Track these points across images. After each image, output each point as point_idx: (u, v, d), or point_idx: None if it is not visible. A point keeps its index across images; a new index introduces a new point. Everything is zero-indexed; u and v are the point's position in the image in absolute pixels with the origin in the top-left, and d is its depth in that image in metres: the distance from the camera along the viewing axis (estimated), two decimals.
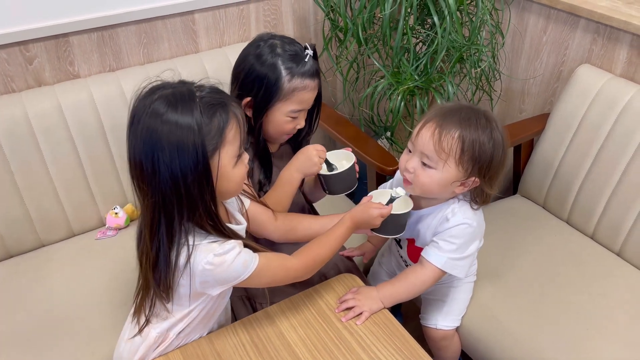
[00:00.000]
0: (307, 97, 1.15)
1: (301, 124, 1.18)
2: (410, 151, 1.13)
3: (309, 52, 1.13)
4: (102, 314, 1.28)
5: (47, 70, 1.48)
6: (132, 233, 1.51)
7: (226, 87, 1.57)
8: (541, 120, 1.67)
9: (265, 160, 1.21)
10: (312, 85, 1.14)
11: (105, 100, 1.46)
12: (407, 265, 1.30)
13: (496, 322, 1.28)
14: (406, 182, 1.14)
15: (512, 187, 1.79)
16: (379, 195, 1.17)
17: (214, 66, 1.59)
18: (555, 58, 1.72)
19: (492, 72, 1.71)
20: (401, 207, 1.14)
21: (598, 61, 1.59)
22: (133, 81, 1.49)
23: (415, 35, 1.66)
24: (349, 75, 1.76)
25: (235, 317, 1.27)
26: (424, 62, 1.57)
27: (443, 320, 1.30)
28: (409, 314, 1.73)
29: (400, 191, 1.16)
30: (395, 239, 1.33)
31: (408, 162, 1.11)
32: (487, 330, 1.28)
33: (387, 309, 1.12)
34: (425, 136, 1.07)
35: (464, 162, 1.06)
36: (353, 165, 1.18)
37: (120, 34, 1.53)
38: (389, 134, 1.83)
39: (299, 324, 1.07)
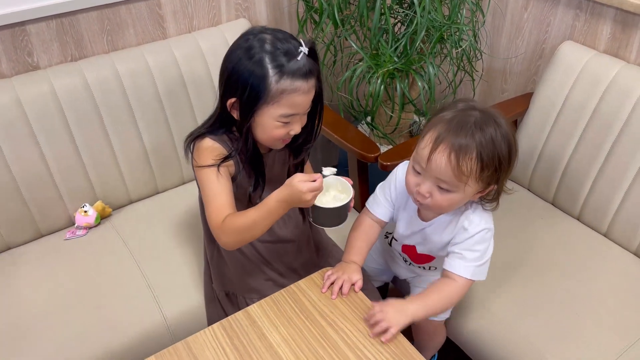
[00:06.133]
0: (299, 101, 1.00)
1: (295, 129, 1.05)
2: (417, 172, 1.01)
3: (303, 49, 0.99)
4: (73, 319, 1.21)
5: (3, 62, 1.38)
6: (102, 232, 1.45)
7: (201, 79, 1.52)
8: (524, 100, 1.63)
9: (255, 168, 1.10)
10: (304, 87, 0.99)
11: (68, 92, 1.37)
12: (405, 261, 1.25)
13: (485, 312, 1.24)
14: (419, 202, 1.05)
15: None
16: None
17: (183, 52, 1.51)
18: (537, 35, 1.67)
19: (473, 52, 1.66)
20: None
21: (581, 37, 1.55)
22: (97, 71, 1.41)
23: (393, 15, 1.60)
24: (326, 59, 1.69)
25: (225, 314, 1.22)
26: (403, 43, 1.51)
27: None
28: None
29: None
30: (385, 237, 1.28)
31: (420, 186, 1.00)
32: (477, 320, 1.24)
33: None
34: (439, 162, 0.96)
35: (485, 177, 0.98)
36: (349, 202, 1.03)
37: (81, 21, 1.44)
38: (369, 119, 1.78)
39: (282, 323, 1.01)
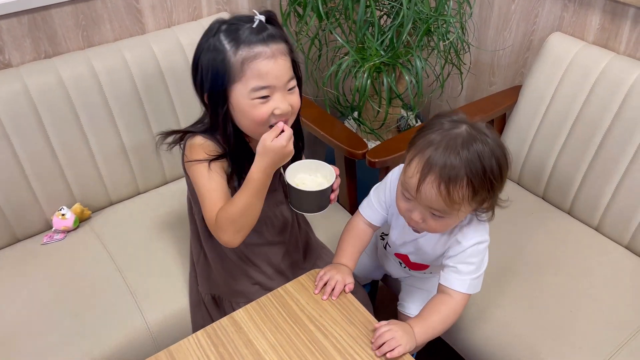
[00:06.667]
0: (265, 68, 0.93)
1: (281, 107, 0.95)
2: (407, 197, 0.97)
3: (258, 17, 0.95)
4: (51, 328, 1.16)
5: None
6: (81, 236, 1.40)
7: (179, 73, 1.46)
8: (513, 93, 1.60)
9: (241, 162, 1.03)
10: (266, 52, 0.93)
11: (42, 90, 1.31)
12: (400, 263, 1.22)
13: (477, 310, 1.22)
14: (413, 227, 1.02)
15: None
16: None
17: (163, 48, 1.46)
18: (525, 27, 1.65)
19: (460, 44, 1.63)
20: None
21: (570, 29, 1.52)
22: (72, 68, 1.35)
23: (379, 7, 1.56)
24: (311, 53, 1.65)
25: (211, 319, 1.19)
26: (389, 36, 1.47)
27: None
28: (385, 301, 1.67)
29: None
30: (381, 238, 1.25)
31: (412, 212, 0.96)
32: (468, 319, 1.22)
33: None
34: (430, 194, 0.91)
35: (477, 199, 0.94)
36: (329, 188, 1.00)
37: (54, 16, 1.38)
38: (356, 114, 1.74)
39: (269, 329, 0.97)
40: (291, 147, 0.95)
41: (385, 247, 1.23)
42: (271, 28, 0.96)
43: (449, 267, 1.04)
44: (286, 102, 0.97)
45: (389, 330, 0.95)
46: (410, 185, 0.93)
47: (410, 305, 1.24)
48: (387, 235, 1.21)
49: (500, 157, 0.93)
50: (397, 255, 1.18)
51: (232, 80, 0.95)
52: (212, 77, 0.96)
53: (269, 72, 0.94)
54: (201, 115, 1.09)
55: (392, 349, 0.92)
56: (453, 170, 0.89)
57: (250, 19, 0.96)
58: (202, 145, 1.02)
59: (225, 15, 1.55)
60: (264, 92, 0.95)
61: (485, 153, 0.90)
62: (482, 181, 0.91)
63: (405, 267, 1.21)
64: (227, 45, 0.94)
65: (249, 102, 0.95)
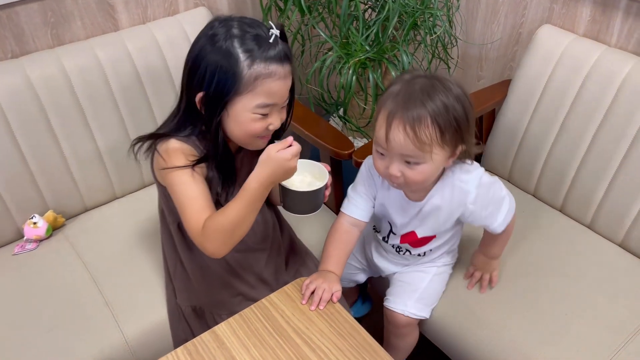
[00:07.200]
0: (276, 88, 0.93)
1: (275, 123, 0.96)
2: (381, 154, 0.99)
3: (274, 31, 0.92)
4: (23, 344, 1.10)
5: None
6: (55, 245, 1.33)
7: (158, 72, 1.39)
8: (502, 87, 1.56)
9: (227, 169, 1.00)
10: (280, 72, 0.92)
11: (10, 92, 1.24)
12: (398, 250, 1.20)
13: (470, 313, 1.18)
14: (395, 185, 1.03)
15: (476, 160, 1.69)
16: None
17: (137, 45, 1.39)
18: (513, 19, 1.60)
19: (448, 38, 1.58)
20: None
21: (559, 21, 1.48)
22: (42, 68, 1.28)
23: (363, 1, 1.51)
24: (294, 49, 1.59)
25: (192, 332, 1.14)
26: (374, 30, 1.42)
27: (413, 308, 1.19)
28: (375, 307, 1.63)
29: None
30: (376, 231, 1.21)
31: (389, 168, 0.98)
32: (461, 322, 1.18)
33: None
34: (398, 138, 0.94)
35: (447, 140, 0.96)
36: (324, 186, 0.98)
37: (20, 14, 1.30)
38: (341, 111, 1.69)
39: (253, 343, 0.92)
40: (295, 164, 0.91)
41: (385, 240, 1.21)
42: (285, 46, 0.94)
43: (484, 225, 1.12)
44: (279, 118, 0.98)
45: (476, 269, 1.20)
46: (380, 137, 0.97)
47: (398, 300, 1.21)
48: (379, 232, 1.19)
49: (460, 96, 0.97)
50: (404, 237, 1.16)
51: (239, 92, 0.92)
52: (217, 82, 0.91)
53: (277, 92, 0.94)
54: (169, 116, 1.03)
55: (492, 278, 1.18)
56: (415, 110, 0.93)
57: (258, 24, 0.94)
58: (179, 150, 0.96)
59: (203, 11, 1.52)
60: (266, 110, 0.95)
61: (446, 95, 0.95)
62: (447, 120, 0.94)
63: (404, 254, 1.20)
64: (242, 55, 0.90)
65: (250, 116, 0.94)
